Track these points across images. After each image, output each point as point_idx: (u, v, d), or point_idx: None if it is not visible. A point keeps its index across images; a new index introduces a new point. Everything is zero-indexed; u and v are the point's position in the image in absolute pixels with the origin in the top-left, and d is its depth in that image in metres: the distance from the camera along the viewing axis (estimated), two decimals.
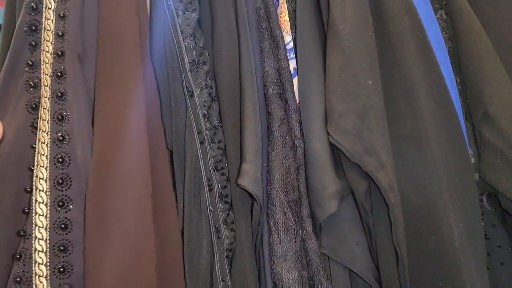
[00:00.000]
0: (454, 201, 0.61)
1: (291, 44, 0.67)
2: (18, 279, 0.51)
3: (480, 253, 0.62)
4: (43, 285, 0.53)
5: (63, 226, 0.52)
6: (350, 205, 0.60)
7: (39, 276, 0.53)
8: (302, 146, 0.61)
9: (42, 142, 0.53)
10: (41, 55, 0.55)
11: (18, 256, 0.52)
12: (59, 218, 0.52)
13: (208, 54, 0.61)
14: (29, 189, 0.53)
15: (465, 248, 0.59)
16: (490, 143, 0.62)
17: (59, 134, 0.52)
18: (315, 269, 0.57)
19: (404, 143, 0.62)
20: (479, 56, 0.66)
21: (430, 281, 0.59)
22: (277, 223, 0.55)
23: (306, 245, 0.57)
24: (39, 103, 0.54)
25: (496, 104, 0.63)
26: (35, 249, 0.52)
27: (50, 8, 0.56)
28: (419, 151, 0.62)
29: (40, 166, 0.52)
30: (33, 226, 0.52)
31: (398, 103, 0.64)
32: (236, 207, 0.57)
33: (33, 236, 0.52)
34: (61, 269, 0.51)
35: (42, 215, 0.53)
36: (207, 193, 0.57)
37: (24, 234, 0.52)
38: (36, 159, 0.52)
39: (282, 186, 0.58)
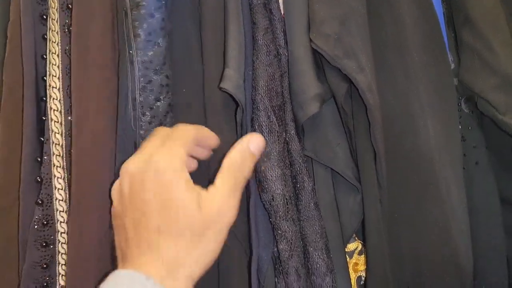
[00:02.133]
0: (431, 103, 0.64)
1: None
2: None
3: (456, 153, 0.65)
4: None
5: None
6: (331, 109, 0.63)
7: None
8: (286, 54, 0.63)
9: None
10: None
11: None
12: None
13: None
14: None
15: (440, 146, 0.63)
16: (469, 45, 0.64)
17: None
18: (298, 168, 0.60)
19: (385, 49, 0.64)
20: None
21: (406, 178, 0.63)
22: (261, 126, 0.58)
23: (290, 146, 0.61)
24: None
25: (477, 9, 0.64)
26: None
27: None
28: (400, 56, 0.64)
29: None
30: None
31: (381, 11, 0.65)
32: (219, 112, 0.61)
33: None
34: None
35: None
36: None
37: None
38: None
39: (266, 92, 0.60)
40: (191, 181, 0.42)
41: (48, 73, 0.62)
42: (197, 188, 0.42)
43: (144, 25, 0.64)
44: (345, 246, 0.65)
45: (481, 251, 0.67)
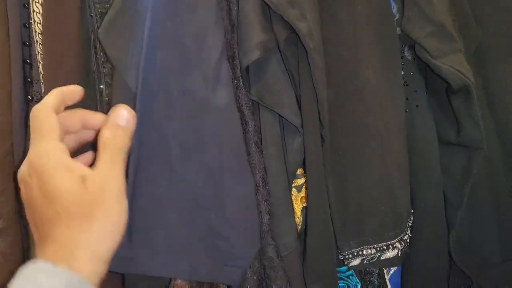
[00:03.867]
0: (375, 50, 0.69)
1: None
2: None
3: (398, 97, 0.72)
4: None
5: None
6: (277, 57, 0.69)
7: None
8: (236, 8, 0.68)
9: None
10: None
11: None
12: None
13: None
14: None
15: (381, 89, 0.69)
16: None
17: None
18: (245, 113, 0.68)
19: (333, 2, 0.70)
20: None
21: (350, 118, 0.70)
22: None
23: (238, 93, 0.68)
24: None
25: None
26: None
27: None
28: (346, 8, 0.69)
29: None
30: None
31: None
32: None
33: None
34: None
35: None
36: None
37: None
38: None
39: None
40: (73, 162, 0.43)
41: None
42: (80, 169, 0.42)
43: None
44: (292, 181, 0.72)
45: (420, 186, 0.74)
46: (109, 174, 0.43)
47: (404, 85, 0.73)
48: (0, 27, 0.69)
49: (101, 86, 0.71)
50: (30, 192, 0.42)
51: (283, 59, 0.69)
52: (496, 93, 0.74)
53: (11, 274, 0.58)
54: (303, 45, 0.65)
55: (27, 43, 0.69)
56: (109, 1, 0.71)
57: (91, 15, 0.70)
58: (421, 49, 0.68)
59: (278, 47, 0.68)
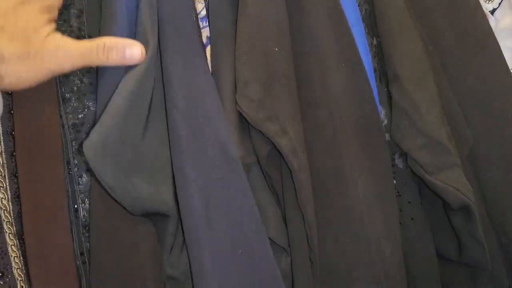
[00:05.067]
0: (362, 161, 0.63)
1: (204, 13, 0.67)
2: None
3: (390, 209, 0.65)
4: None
5: None
6: (257, 171, 0.62)
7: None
8: None
9: None
10: None
11: None
12: None
13: None
14: None
15: (371, 204, 0.62)
16: (397, 103, 0.64)
17: None
18: None
19: (315, 108, 0.64)
20: (390, 17, 0.66)
21: (338, 239, 0.62)
22: None
23: None
24: None
25: (404, 66, 0.65)
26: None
27: None
28: (328, 114, 0.63)
29: None
30: None
31: (310, 69, 0.65)
32: None
33: None
34: None
35: None
36: None
37: None
38: None
39: None
40: None
41: None
42: None
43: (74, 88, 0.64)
44: None
45: None
46: None
47: (396, 195, 0.67)
48: None
49: (76, 206, 0.62)
50: None
51: (264, 176, 0.62)
52: (492, 201, 0.69)
53: None
54: (286, 162, 0.59)
55: None
56: (82, 111, 0.64)
57: (62, 126, 0.62)
58: (414, 163, 0.62)
59: (258, 162, 0.61)
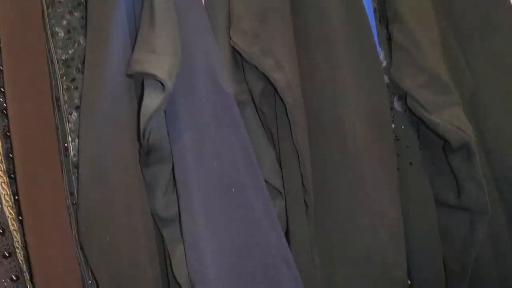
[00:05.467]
0: (359, 101, 0.61)
1: None
2: None
3: (387, 153, 0.63)
4: None
5: None
6: (252, 110, 0.61)
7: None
8: None
9: None
10: None
11: None
12: None
13: None
14: None
15: (368, 146, 0.61)
16: (398, 42, 0.62)
17: None
18: None
19: (311, 46, 0.62)
20: None
21: (335, 180, 0.60)
22: None
23: None
24: None
25: (406, 5, 0.62)
26: None
27: None
28: (326, 54, 0.61)
29: None
30: None
31: (306, 9, 0.62)
32: None
33: None
34: None
35: None
36: None
37: None
38: None
39: None
40: None
41: None
42: None
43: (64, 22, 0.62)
44: None
45: (417, 253, 0.65)
46: None
47: (395, 139, 0.65)
48: None
49: (65, 145, 0.61)
50: None
51: (258, 114, 0.60)
52: (493, 147, 0.67)
53: None
54: (281, 99, 0.57)
55: None
56: (73, 46, 0.62)
57: (51, 61, 0.61)
58: (414, 102, 0.60)
59: (253, 100, 0.60)
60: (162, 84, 0.50)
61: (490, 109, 0.66)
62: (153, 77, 0.50)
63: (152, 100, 0.51)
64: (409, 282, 0.65)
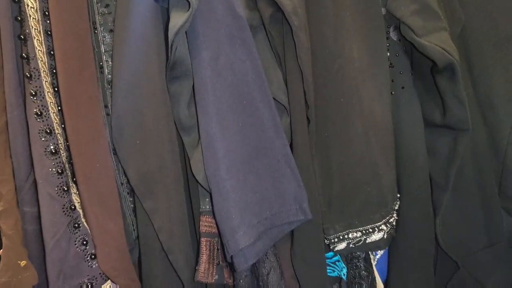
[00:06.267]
0: (358, 29, 0.69)
1: None
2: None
3: (383, 78, 0.71)
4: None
5: None
6: (263, 35, 0.69)
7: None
8: None
9: None
10: None
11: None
12: None
13: None
14: None
15: (365, 69, 0.69)
16: None
17: None
18: None
19: None
20: None
21: (334, 97, 0.69)
22: None
23: None
24: None
25: None
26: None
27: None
28: None
29: None
30: None
31: None
32: None
33: None
34: None
35: None
36: None
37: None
38: None
39: None
40: None
41: None
42: None
43: None
44: None
45: (406, 169, 0.74)
46: None
47: (389, 66, 0.72)
48: None
49: (101, 63, 0.70)
50: None
51: (268, 37, 0.68)
52: (480, 76, 0.74)
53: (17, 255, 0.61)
54: (288, 23, 0.65)
55: (18, 18, 0.66)
56: None
57: None
58: (406, 28, 0.67)
59: (263, 25, 0.68)
60: (188, 3, 0.59)
61: (479, 42, 0.72)
62: None
63: (179, 19, 0.60)
64: (398, 195, 0.74)
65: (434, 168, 0.73)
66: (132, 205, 0.73)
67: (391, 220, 0.71)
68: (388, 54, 0.73)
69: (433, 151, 0.73)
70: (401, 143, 0.73)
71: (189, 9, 0.59)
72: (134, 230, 0.73)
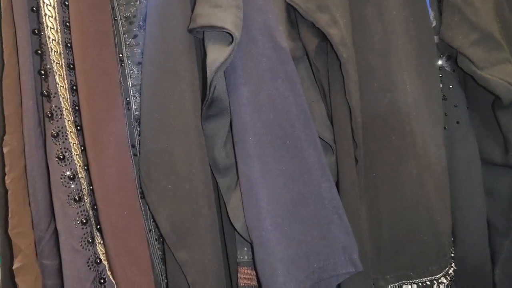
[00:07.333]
0: (410, 60, 0.63)
1: None
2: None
3: (436, 111, 0.65)
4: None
5: None
6: (305, 66, 0.63)
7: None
8: None
9: None
10: None
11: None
12: None
13: None
14: None
15: (418, 103, 0.62)
16: (450, 1, 0.62)
17: None
18: None
19: (364, 4, 0.63)
20: None
21: (384, 135, 0.62)
22: None
23: None
24: None
25: None
26: None
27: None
28: (378, 12, 0.63)
29: None
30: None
31: None
32: None
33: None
34: None
35: None
36: None
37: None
38: None
39: None
40: None
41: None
42: None
43: None
44: None
45: (461, 211, 0.67)
46: None
47: (442, 99, 0.66)
48: (6, 35, 0.62)
49: (127, 99, 0.64)
50: None
51: (312, 69, 0.62)
52: None
53: None
54: (335, 54, 0.59)
55: (38, 52, 0.60)
56: (135, 4, 0.64)
57: (115, 19, 0.64)
58: (464, 59, 0.61)
59: (307, 56, 0.62)
60: (231, 36, 0.53)
61: None
62: (221, 29, 0.53)
63: (218, 54, 0.54)
64: (452, 238, 0.67)
65: (493, 211, 0.66)
66: (161, 253, 0.67)
67: (450, 271, 0.64)
68: (441, 85, 0.66)
69: (492, 192, 0.66)
70: (456, 182, 0.66)
71: (232, 42, 0.53)
72: (162, 280, 0.67)
